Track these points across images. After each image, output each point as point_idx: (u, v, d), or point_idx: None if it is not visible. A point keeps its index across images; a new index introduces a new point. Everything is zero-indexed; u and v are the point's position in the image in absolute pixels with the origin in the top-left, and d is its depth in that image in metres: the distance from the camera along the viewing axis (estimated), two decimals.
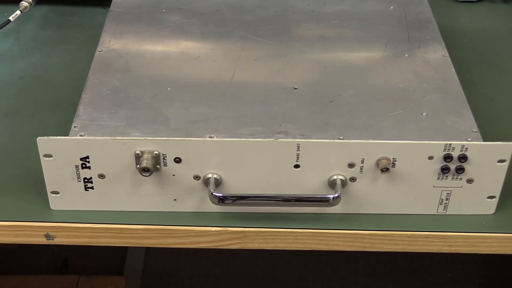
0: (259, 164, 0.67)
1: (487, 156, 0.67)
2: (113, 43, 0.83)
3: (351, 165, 0.67)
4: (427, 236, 0.70)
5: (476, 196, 0.70)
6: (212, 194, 0.67)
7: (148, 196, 0.69)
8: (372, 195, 0.69)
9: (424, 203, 0.70)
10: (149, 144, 0.66)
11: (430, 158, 0.67)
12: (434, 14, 0.90)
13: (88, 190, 0.69)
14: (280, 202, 0.68)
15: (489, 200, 0.70)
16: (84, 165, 0.67)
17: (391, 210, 0.71)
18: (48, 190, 0.69)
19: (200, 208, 0.70)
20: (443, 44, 0.83)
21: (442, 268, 1.55)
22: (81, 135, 0.68)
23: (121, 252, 1.51)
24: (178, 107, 0.72)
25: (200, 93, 0.75)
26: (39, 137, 0.65)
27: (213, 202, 0.67)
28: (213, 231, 0.70)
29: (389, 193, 0.69)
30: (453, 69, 0.79)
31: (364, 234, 0.70)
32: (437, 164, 0.67)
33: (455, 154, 0.67)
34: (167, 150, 0.66)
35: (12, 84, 0.87)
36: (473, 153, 0.67)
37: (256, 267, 1.53)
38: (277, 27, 0.87)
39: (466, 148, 0.66)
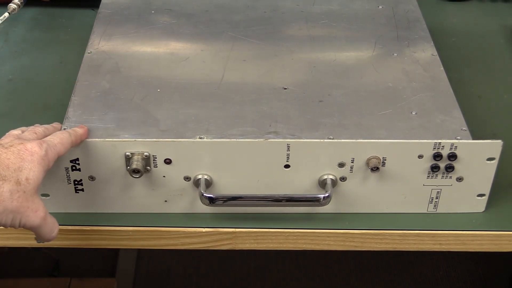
0: (250, 164, 0.67)
1: (476, 154, 0.67)
2: (102, 44, 0.82)
3: (341, 165, 0.67)
4: (417, 235, 0.70)
5: (466, 194, 0.70)
6: (202, 195, 0.67)
7: (138, 198, 0.69)
8: (363, 194, 0.70)
9: (414, 201, 0.70)
10: (139, 145, 0.66)
11: (420, 157, 0.67)
12: (422, 13, 0.90)
13: (78, 192, 0.69)
14: (271, 202, 0.68)
15: (479, 198, 0.70)
16: (74, 167, 0.67)
17: (382, 209, 0.71)
18: (38, 192, 0.68)
19: (191, 209, 0.70)
20: (432, 43, 0.84)
21: (433, 266, 1.55)
22: None
23: (112, 254, 1.51)
24: (168, 108, 0.72)
25: (190, 94, 0.75)
26: None
27: (204, 203, 0.67)
28: (204, 232, 0.70)
29: (379, 192, 0.69)
30: (442, 68, 0.79)
31: (355, 233, 0.70)
32: (427, 162, 0.67)
33: (445, 152, 0.67)
34: (157, 151, 0.66)
35: (2, 87, 0.87)
36: (462, 152, 0.67)
37: (248, 268, 1.53)
38: (266, 27, 0.87)
39: (456, 147, 0.67)
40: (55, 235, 0.63)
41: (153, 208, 0.70)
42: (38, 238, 0.63)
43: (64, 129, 0.69)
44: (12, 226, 0.59)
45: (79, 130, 0.66)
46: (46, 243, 0.66)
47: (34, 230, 0.61)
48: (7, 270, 1.49)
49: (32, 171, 0.59)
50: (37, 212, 0.60)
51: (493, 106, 0.85)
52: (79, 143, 0.66)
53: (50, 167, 0.62)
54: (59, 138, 0.64)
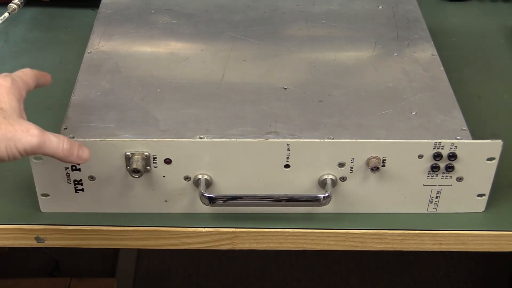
0: (250, 164, 0.67)
1: (476, 154, 0.67)
2: (102, 44, 0.82)
3: (341, 165, 0.67)
4: (417, 235, 0.70)
5: (466, 194, 0.70)
6: (202, 195, 0.67)
7: (138, 198, 0.69)
8: (363, 194, 0.70)
9: (414, 201, 0.70)
10: (139, 145, 0.66)
11: (420, 156, 0.67)
12: (422, 13, 0.90)
13: (78, 192, 0.69)
14: (271, 202, 0.68)
15: (479, 198, 0.70)
16: (74, 167, 0.67)
17: (382, 209, 0.71)
18: (38, 192, 0.69)
19: (191, 209, 0.70)
20: (432, 43, 0.84)
21: (433, 266, 1.55)
22: (70, 137, 0.67)
23: (112, 254, 1.51)
24: (168, 108, 0.72)
25: (190, 94, 0.75)
26: None
27: (204, 203, 0.67)
28: (204, 232, 0.70)
29: (379, 192, 0.69)
30: (442, 68, 0.79)
31: (355, 233, 0.70)
32: (427, 162, 0.67)
33: (445, 152, 0.67)
34: (157, 151, 0.66)
35: None
36: (462, 152, 0.67)
37: (248, 268, 1.53)
38: (266, 27, 0.87)
39: (456, 147, 0.67)
40: (66, 145, 0.60)
41: (153, 208, 0.70)
42: (60, 159, 0.59)
43: (65, 128, 0.69)
44: (13, 156, 0.57)
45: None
46: (46, 242, 0.66)
47: (40, 151, 0.58)
48: (7, 270, 1.49)
49: (2, 101, 0.59)
50: (29, 131, 0.57)
51: (493, 106, 0.85)
52: (44, 80, 0.67)
53: (23, 96, 0.62)
54: (20, 71, 0.64)
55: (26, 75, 0.64)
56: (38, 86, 0.67)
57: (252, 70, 0.79)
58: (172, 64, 0.80)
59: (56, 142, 0.59)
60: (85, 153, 0.62)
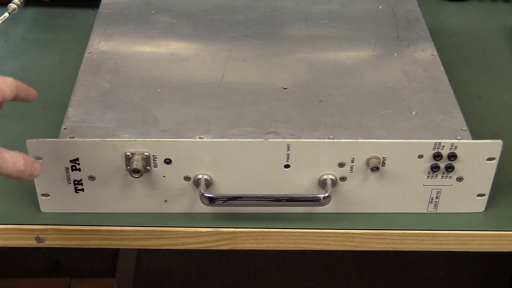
0: (250, 164, 0.67)
1: (476, 154, 0.67)
2: (102, 44, 0.82)
3: (341, 165, 0.67)
4: (417, 235, 0.70)
5: (466, 194, 0.70)
6: (202, 195, 0.67)
7: (138, 198, 0.69)
8: (363, 194, 0.70)
9: (414, 201, 0.70)
10: (139, 145, 0.66)
11: (420, 156, 0.67)
12: (422, 13, 0.90)
13: (78, 192, 0.69)
14: (271, 202, 0.68)
15: (479, 198, 0.70)
16: (74, 167, 0.67)
17: (382, 209, 0.71)
18: (38, 192, 0.69)
19: (191, 209, 0.70)
20: (432, 43, 0.84)
21: (433, 266, 1.55)
22: (70, 137, 0.68)
23: (112, 254, 1.51)
24: (168, 108, 0.72)
25: (190, 94, 0.75)
26: (28, 140, 0.65)
27: (204, 203, 0.67)
28: (204, 232, 0.70)
29: (379, 192, 0.69)
30: (442, 68, 0.79)
31: (355, 233, 0.70)
32: (427, 162, 0.67)
33: (445, 152, 0.67)
34: (157, 151, 0.66)
35: None
36: (462, 152, 0.67)
37: (248, 268, 1.53)
38: (266, 27, 0.87)
39: (456, 147, 0.67)
40: (22, 166, 0.58)
41: (153, 208, 0.70)
42: (12, 177, 0.58)
43: (65, 128, 0.69)
44: None
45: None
46: (46, 242, 0.65)
47: None
48: (7, 270, 1.49)
49: None
50: None
51: (493, 106, 0.85)
52: (26, 94, 0.64)
53: None
54: (1, 78, 0.61)
55: (6, 83, 0.61)
56: (18, 99, 0.64)
57: (252, 70, 0.79)
58: (172, 64, 0.80)
59: (12, 164, 0.58)
60: (37, 170, 0.61)
